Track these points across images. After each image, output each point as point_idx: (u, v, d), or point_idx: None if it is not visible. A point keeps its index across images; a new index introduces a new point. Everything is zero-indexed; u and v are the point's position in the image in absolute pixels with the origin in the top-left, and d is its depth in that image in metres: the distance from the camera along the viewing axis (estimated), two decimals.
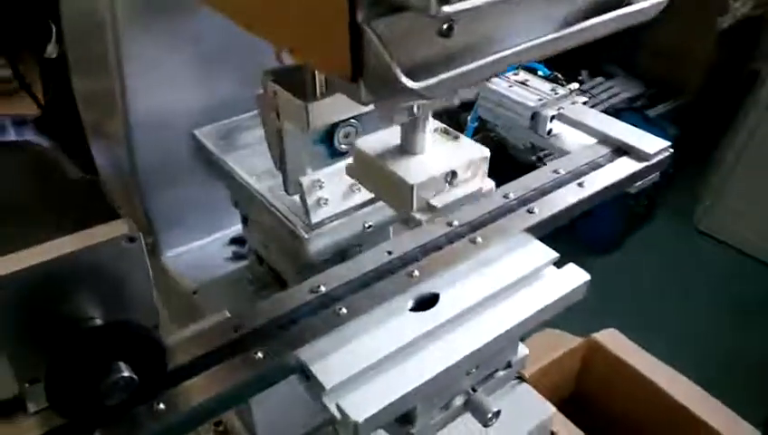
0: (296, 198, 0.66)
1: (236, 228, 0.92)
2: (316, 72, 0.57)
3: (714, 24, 2.42)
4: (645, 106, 2.53)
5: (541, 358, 1.33)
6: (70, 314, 0.45)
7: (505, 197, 0.70)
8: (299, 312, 0.57)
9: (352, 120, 0.66)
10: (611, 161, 0.77)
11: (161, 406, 0.49)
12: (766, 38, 2.54)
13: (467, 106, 0.87)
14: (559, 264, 0.66)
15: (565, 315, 0.65)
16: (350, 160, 0.62)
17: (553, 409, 0.81)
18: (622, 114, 1.93)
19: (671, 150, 0.78)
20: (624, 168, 0.76)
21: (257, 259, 0.81)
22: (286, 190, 0.66)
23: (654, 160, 0.76)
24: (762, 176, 2.29)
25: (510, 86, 0.85)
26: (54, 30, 0.92)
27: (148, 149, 0.81)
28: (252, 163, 0.74)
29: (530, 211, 0.68)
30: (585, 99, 0.86)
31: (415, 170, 0.50)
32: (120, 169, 0.87)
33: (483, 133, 1.13)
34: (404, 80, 0.35)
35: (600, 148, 0.79)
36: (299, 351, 0.53)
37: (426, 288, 0.61)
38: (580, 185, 0.72)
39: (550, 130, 0.83)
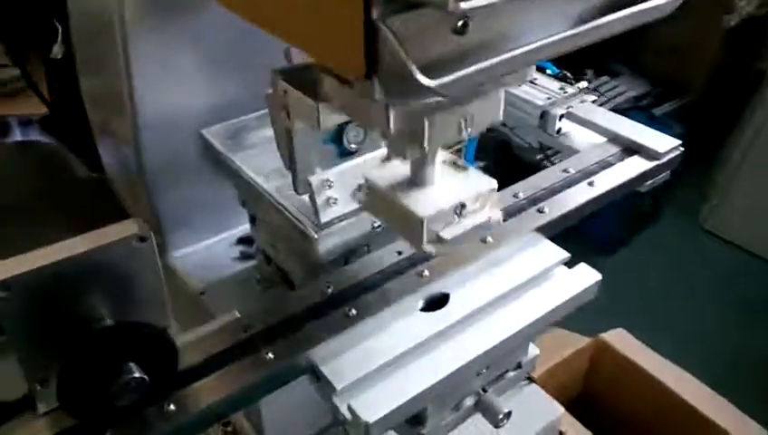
0: (305, 197, 0.65)
1: (244, 228, 0.91)
2: None
3: (720, 22, 2.41)
4: (651, 105, 2.52)
5: (549, 358, 1.33)
6: (81, 315, 0.45)
7: (515, 196, 0.69)
8: (309, 312, 0.57)
9: None
10: (621, 160, 0.76)
11: (171, 407, 0.49)
12: None
13: None
14: (566, 263, 0.66)
15: (572, 314, 0.65)
16: (359, 161, 0.62)
17: (562, 409, 0.80)
18: (628, 113, 1.92)
19: (681, 149, 0.77)
20: (635, 167, 0.75)
21: (265, 259, 0.80)
22: (296, 190, 0.66)
23: (665, 159, 0.76)
24: None
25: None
26: (60, 30, 0.91)
27: (156, 149, 0.80)
28: (260, 162, 0.73)
29: (540, 211, 0.68)
30: (594, 97, 0.86)
31: (424, 203, 0.49)
32: (127, 168, 0.86)
33: (486, 132, 1.12)
34: (419, 77, 0.34)
35: (609, 147, 0.78)
36: (309, 351, 0.53)
37: (436, 288, 0.61)
38: (591, 184, 0.72)
39: (559, 129, 0.82)
